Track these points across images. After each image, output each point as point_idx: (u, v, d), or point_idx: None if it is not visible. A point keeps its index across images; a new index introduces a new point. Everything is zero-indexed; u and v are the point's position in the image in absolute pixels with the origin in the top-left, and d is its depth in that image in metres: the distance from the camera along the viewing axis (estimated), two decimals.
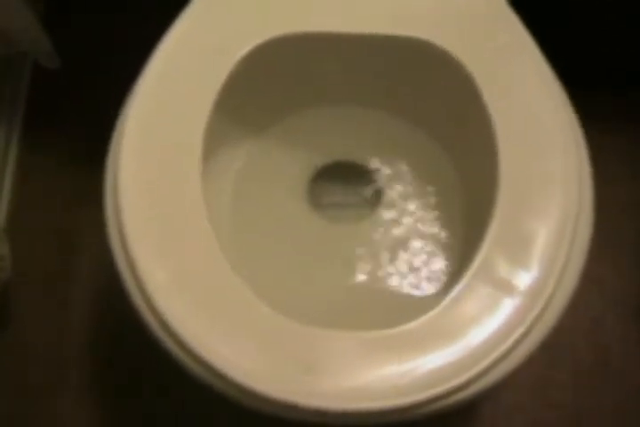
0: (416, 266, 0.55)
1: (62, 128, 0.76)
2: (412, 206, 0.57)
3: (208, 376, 0.40)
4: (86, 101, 0.77)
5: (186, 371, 0.41)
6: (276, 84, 0.56)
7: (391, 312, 0.51)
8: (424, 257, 0.55)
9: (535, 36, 0.49)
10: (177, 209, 0.44)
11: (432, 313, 0.42)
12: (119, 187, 0.44)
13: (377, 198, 0.59)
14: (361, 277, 0.55)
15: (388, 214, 0.57)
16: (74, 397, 0.65)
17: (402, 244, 0.56)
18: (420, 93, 0.56)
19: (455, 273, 0.52)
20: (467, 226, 0.54)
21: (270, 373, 0.40)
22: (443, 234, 0.56)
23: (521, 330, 0.42)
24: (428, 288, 0.53)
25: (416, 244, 0.56)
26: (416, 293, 0.54)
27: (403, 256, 0.55)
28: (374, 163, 0.59)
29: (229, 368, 0.40)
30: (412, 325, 0.41)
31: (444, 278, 0.54)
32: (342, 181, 0.60)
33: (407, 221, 0.57)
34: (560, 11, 0.66)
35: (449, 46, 0.48)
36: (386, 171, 0.59)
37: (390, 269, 0.55)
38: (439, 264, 0.55)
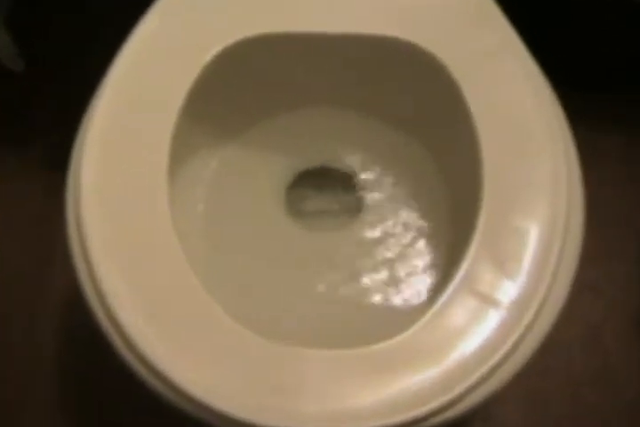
0: (399, 277, 0.54)
1: (25, 132, 0.75)
2: (394, 213, 0.57)
3: (167, 392, 0.39)
4: (51, 104, 0.76)
5: (145, 386, 0.40)
6: (248, 86, 0.55)
7: (372, 327, 0.50)
8: (408, 267, 0.54)
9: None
10: (142, 222, 0.44)
11: (412, 329, 0.41)
12: (81, 200, 0.43)
13: (358, 205, 0.58)
14: (341, 290, 0.54)
15: (369, 222, 0.57)
16: (42, 412, 0.65)
17: (385, 253, 0.55)
18: (403, 96, 0.56)
19: (439, 283, 0.52)
20: (453, 234, 0.54)
21: (234, 391, 0.39)
22: (428, 242, 0.55)
23: (509, 343, 0.41)
24: (413, 300, 0.53)
25: (400, 253, 0.55)
26: (399, 305, 0.53)
27: (385, 266, 0.54)
28: (355, 168, 0.59)
29: (190, 385, 0.39)
30: (392, 342, 0.40)
31: (428, 290, 0.53)
32: (322, 187, 0.60)
33: (390, 228, 0.56)
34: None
35: (432, 47, 0.48)
36: (367, 176, 0.59)
37: (372, 280, 0.54)
38: (424, 275, 0.54)
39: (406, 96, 0.55)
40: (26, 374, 0.66)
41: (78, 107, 0.48)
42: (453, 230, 0.54)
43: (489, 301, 0.42)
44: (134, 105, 0.46)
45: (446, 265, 0.52)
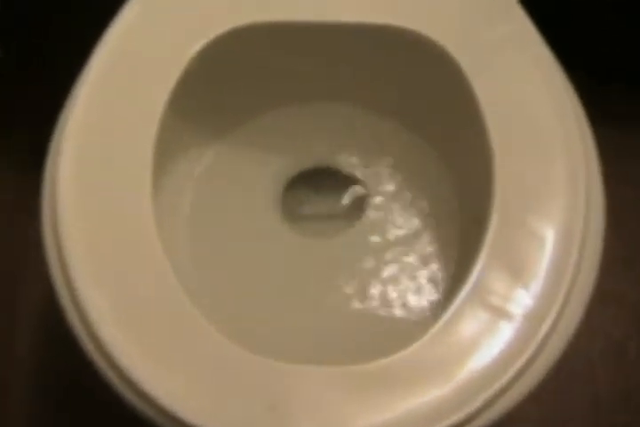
0: (405, 287, 0.53)
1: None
2: (399, 217, 0.56)
3: (152, 413, 0.39)
4: (30, 98, 0.76)
5: (129, 405, 0.40)
6: (238, 80, 0.54)
7: (374, 342, 0.50)
8: (415, 276, 0.54)
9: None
10: (124, 229, 0.43)
11: (419, 343, 0.40)
12: (58, 207, 0.43)
13: (360, 209, 0.58)
14: (340, 301, 0.53)
15: (372, 227, 0.56)
16: (20, 411, 0.66)
17: (389, 261, 0.55)
18: (408, 90, 0.55)
19: (446, 295, 0.52)
20: (462, 239, 0.53)
21: (225, 411, 0.38)
22: (436, 248, 0.55)
23: (523, 359, 0.40)
24: (420, 312, 0.52)
25: (405, 261, 0.55)
26: (405, 318, 0.52)
27: (390, 276, 0.54)
28: (357, 168, 0.59)
29: (178, 405, 0.38)
30: (396, 357, 0.40)
31: (437, 300, 0.53)
32: (320, 189, 0.60)
33: (395, 234, 0.56)
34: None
35: (440, 38, 0.48)
36: (370, 177, 0.58)
37: (375, 290, 0.53)
38: (432, 284, 0.54)
39: (411, 91, 0.55)
40: (3, 374, 0.67)
41: (57, 107, 0.48)
42: (463, 235, 0.53)
43: (501, 312, 0.41)
44: (115, 100, 0.46)
45: (456, 273, 0.52)
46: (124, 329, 0.40)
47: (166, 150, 0.47)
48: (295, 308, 0.53)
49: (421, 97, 0.55)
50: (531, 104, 0.46)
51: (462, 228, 0.54)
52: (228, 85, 0.54)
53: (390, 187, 0.58)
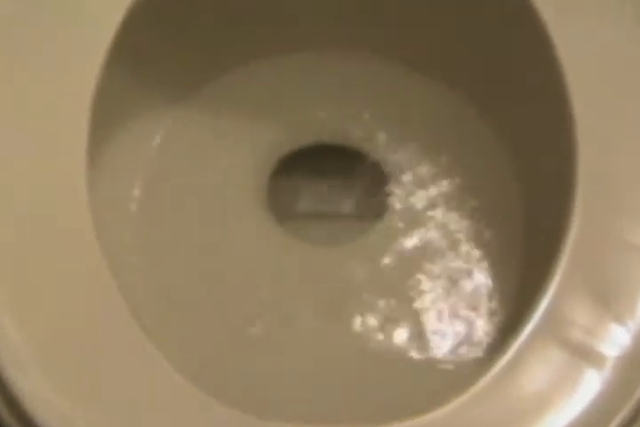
0: (444, 318, 0.53)
1: None
2: (435, 217, 0.56)
3: None
4: None
5: None
6: (208, 18, 0.54)
7: (401, 394, 0.49)
8: (452, 302, 0.54)
9: None
10: (49, 224, 0.43)
11: (465, 398, 0.40)
12: None
13: (378, 205, 0.57)
14: (352, 334, 0.53)
15: (395, 231, 0.56)
16: None
17: (416, 279, 0.54)
18: (458, 41, 0.55)
19: (506, 328, 0.51)
20: (524, 252, 0.53)
21: None
22: (484, 264, 0.54)
23: (616, 421, 0.40)
24: (467, 353, 0.52)
25: (440, 280, 0.54)
26: (445, 361, 0.52)
27: (422, 301, 0.54)
28: (375, 146, 0.58)
29: None
30: (432, 417, 0.40)
31: (486, 337, 0.52)
32: (322, 175, 0.60)
33: (426, 242, 0.55)
34: None
35: None
36: (393, 158, 0.58)
37: (401, 321, 0.53)
38: (478, 313, 0.53)
39: (462, 43, 0.55)
40: None
41: None
42: (525, 247, 0.53)
43: (585, 355, 0.41)
44: (39, 48, 0.46)
45: (518, 300, 0.52)
46: (50, 376, 0.40)
47: (108, 117, 0.47)
48: (287, 342, 0.52)
49: (475, 54, 0.55)
50: (628, 73, 0.47)
51: (526, 236, 0.54)
52: (194, 26, 0.54)
53: (423, 174, 0.57)
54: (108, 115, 0.47)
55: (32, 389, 0.40)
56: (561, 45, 0.47)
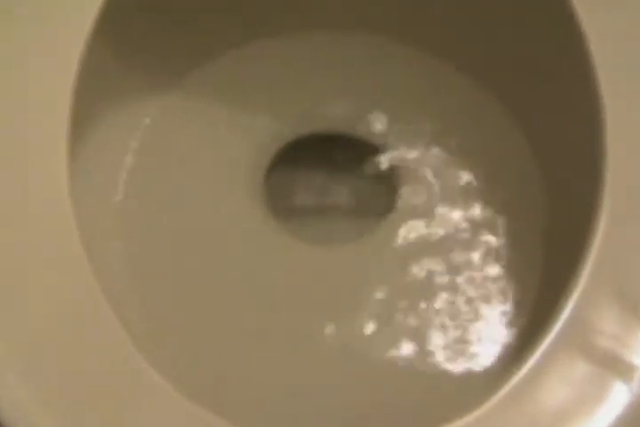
0: (457, 325, 0.53)
1: None
2: (445, 215, 0.56)
3: None
4: None
5: None
6: None
7: (410, 406, 0.49)
8: (467, 307, 0.53)
9: None
10: (26, 222, 0.44)
11: (479, 414, 0.41)
12: None
13: (383, 200, 0.58)
14: (356, 343, 0.53)
15: (406, 230, 0.56)
16: None
17: (428, 283, 0.54)
18: (478, 24, 0.56)
19: (524, 336, 0.51)
20: (546, 253, 0.53)
21: None
22: (505, 266, 0.54)
23: None
24: (481, 365, 0.52)
25: (454, 283, 0.54)
26: (457, 372, 0.52)
27: (433, 306, 0.54)
28: (381, 137, 0.58)
29: None
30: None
31: (502, 346, 0.52)
32: (323, 169, 0.60)
33: (435, 241, 0.55)
34: None
35: None
36: (401, 151, 0.58)
37: (403, 327, 0.53)
38: (499, 321, 0.53)
39: (482, 26, 0.55)
40: None
41: None
42: (546, 248, 0.53)
43: (612, 366, 0.41)
44: (17, 34, 0.46)
45: (534, 306, 0.52)
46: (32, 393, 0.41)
47: (90, 106, 0.47)
48: (284, 351, 0.53)
49: (493, 35, 0.55)
50: None
51: (547, 236, 0.54)
52: (180, 4, 0.54)
53: (434, 168, 0.57)
54: (90, 103, 0.47)
55: (10, 399, 0.41)
56: (590, 31, 0.47)
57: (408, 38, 0.58)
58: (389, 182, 0.58)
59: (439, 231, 0.56)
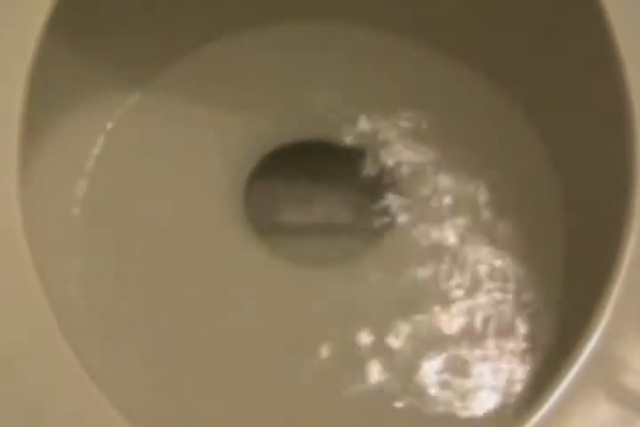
0: (458, 356, 0.53)
1: None
2: (453, 231, 0.56)
3: None
4: None
5: None
6: None
7: None
8: (476, 337, 0.53)
9: None
10: None
11: None
12: None
13: (382, 215, 0.58)
14: (345, 377, 0.53)
15: (403, 248, 0.56)
16: None
17: (429, 313, 0.54)
18: (478, 12, 0.56)
19: (542, 372, 0.51)
20: (566, 274, 0.54)
21: None
22: (516, 289, 0.54)
23: None
24: (487, 402, 0.52)
25: (459, 310, 0.54)
26: (466, 417, 0.52)
27: (433, 335, 0.54)
28: (378, 143, 0.58)
29: None
30: None
31: (517, 382, 0.52)
32: (313, 179, 0.61)
33: (442, 261, 0.55)
34: None
35: None
36: (402, 159, 0.58)
37: (406, 361, 0.53)
38: (507, 351, 0.53)
39: (484, 14, 0.56)
40: None
41: None
42: (567, 269, 0.54)
43: None
44: None
45: (554, 336, 0.52)
46: None
47: (47, 105, 0.47)
48: (262, 388, 0.53)
49: (497, 26, 0.56)
50: None
51: (567, 256, 0.54)
52: None
53: (439, 178, 0.58)
54: (47, 102, 0.47)
55: None
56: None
57: (410, 31, 0.59)
58: (386, 195, 0.58)
59: (443, 251, 0.56)
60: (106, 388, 0.42)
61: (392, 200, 0.58)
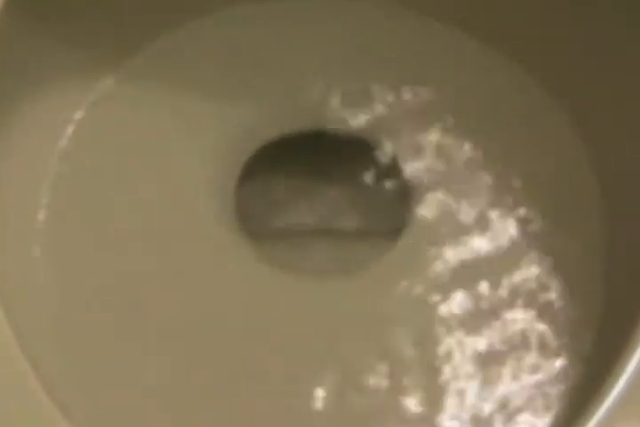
0: (481, 386, 0.53)
1: None
2: (474, 237, 0.56)
3: None
4: None
5: None
6: None
7: None
8: (503, 365, 0.54)
9: None
10: None
11: None
12: None
13: (393, 218, 0.58)
14: (354, 406, 0.53)
15: (419, 256, 0.56)
16: None
17: (448, 333, 0.54)
18: None
19: (574, 402, 0.52)
20: (601, 292, 0.54)
21: None
22: (544, 309, 0.55)
23: None
24: (524, 422, 0.52)
25: (483, 335, 0.54)
26: None
27: (451, 363, 0.54)
28: (389, 135, 0.59)
29: None
30: None
31: (545, 418, 0.52)
32: (313, 176, 0.62)
33: (460, 271, 0.55)
34: None
35: None
36: (416, 153, 0.58)
37: (417, 395, 0.53)
38: (545, 371, 0.53)
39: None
40: None
41: None
42: (607, 283, 0.54)
43: None
44: None
45: (589, 362, 0.53)
46: None
47: (6, 93, 0.49)
48: (252, 414, 0.52)
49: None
50: None
51: (606, 273, 0.54)
52: None
53: (458, 175, 0.57)
54: (6, 89, 0.49)
55: None
56: None
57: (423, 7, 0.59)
58: (397, 196, 0.59)
59: (462, 260, 0.56)
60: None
61: (404, 203, 0.58)
